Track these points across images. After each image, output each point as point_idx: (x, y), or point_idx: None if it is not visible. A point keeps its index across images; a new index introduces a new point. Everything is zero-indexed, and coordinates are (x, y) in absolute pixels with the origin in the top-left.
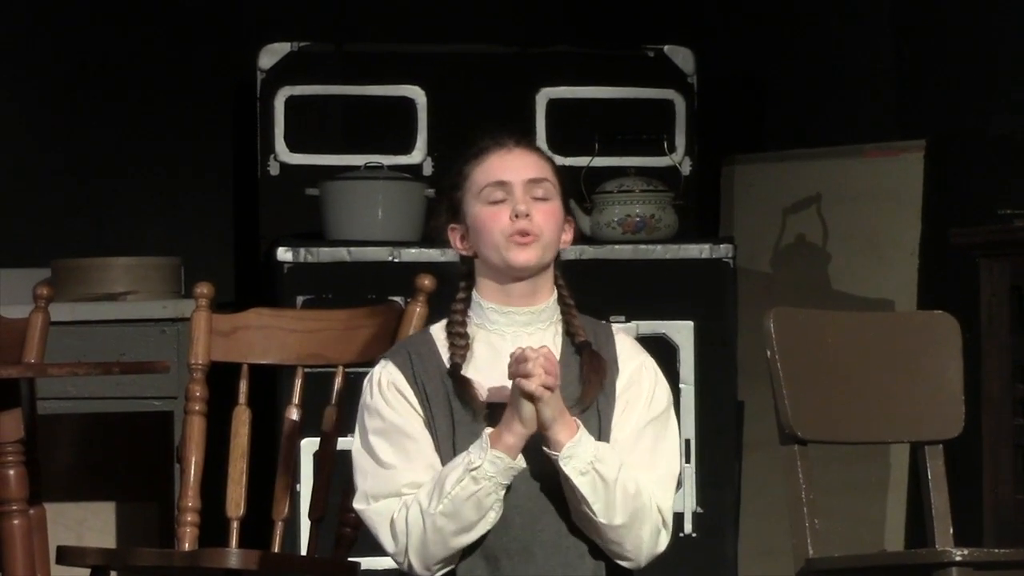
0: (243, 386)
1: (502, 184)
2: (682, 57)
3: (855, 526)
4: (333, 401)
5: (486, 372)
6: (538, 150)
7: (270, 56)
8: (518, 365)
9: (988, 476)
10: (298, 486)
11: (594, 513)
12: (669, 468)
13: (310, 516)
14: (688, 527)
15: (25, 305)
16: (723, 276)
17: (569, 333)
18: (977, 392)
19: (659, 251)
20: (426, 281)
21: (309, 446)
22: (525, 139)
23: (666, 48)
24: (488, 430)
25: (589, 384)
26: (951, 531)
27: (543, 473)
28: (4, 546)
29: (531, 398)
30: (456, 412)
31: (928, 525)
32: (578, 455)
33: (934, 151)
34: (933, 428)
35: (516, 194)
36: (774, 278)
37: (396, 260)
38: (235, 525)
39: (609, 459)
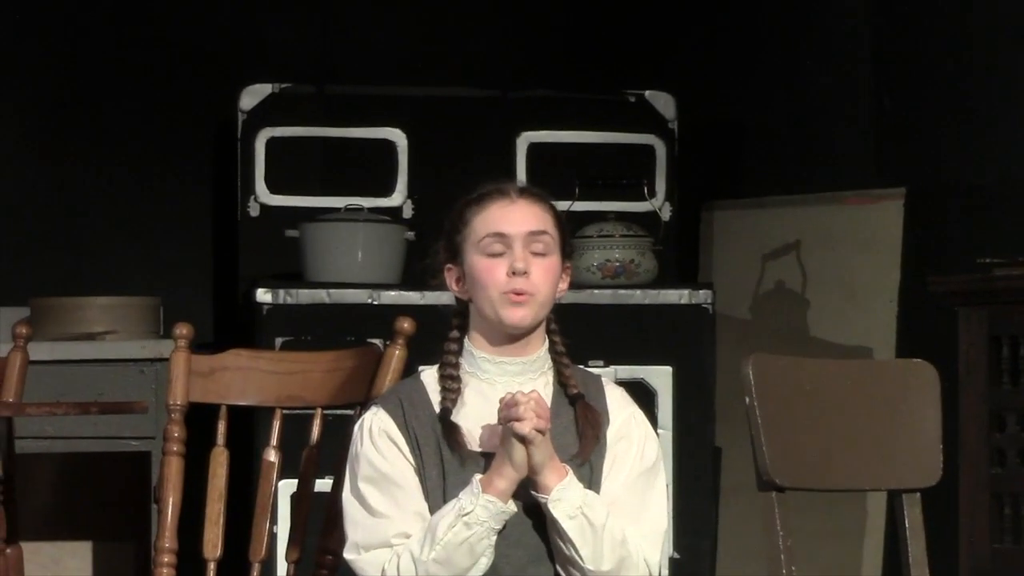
0: (221, 427)
1: (502, 237)
2: (663, 102)
3: (832, 573)
4: (311, 443)
5: (475, 420)
6: (541, 200)
7: (251, 97)
8: (509, 409)
9: (965, 525)
10: (275, 528)
11: (582, 559)
12: (657, 522)
13: (287, 558)
14: (665, 573)
15: (3, 344)
16: (702, 321)
17: (560, 383)
18: (955, 441)
19: (638, 296)
20: (405, 324)
21: (287, 488)
22: (528, 189)
23: (647, 93)
24: (478, 476)
25: (585, 439)
26: None
27: (533, 523)
28: None
29: (523, 441)
30: (446, 461)
31: (904, 573)
32: (567, 499)
33: (913, 199)
34: (911, 476)
35: (515, 249)
36: (753, 324)
37: (375, 302)
38: (212, 566)
39: (597, 505)
